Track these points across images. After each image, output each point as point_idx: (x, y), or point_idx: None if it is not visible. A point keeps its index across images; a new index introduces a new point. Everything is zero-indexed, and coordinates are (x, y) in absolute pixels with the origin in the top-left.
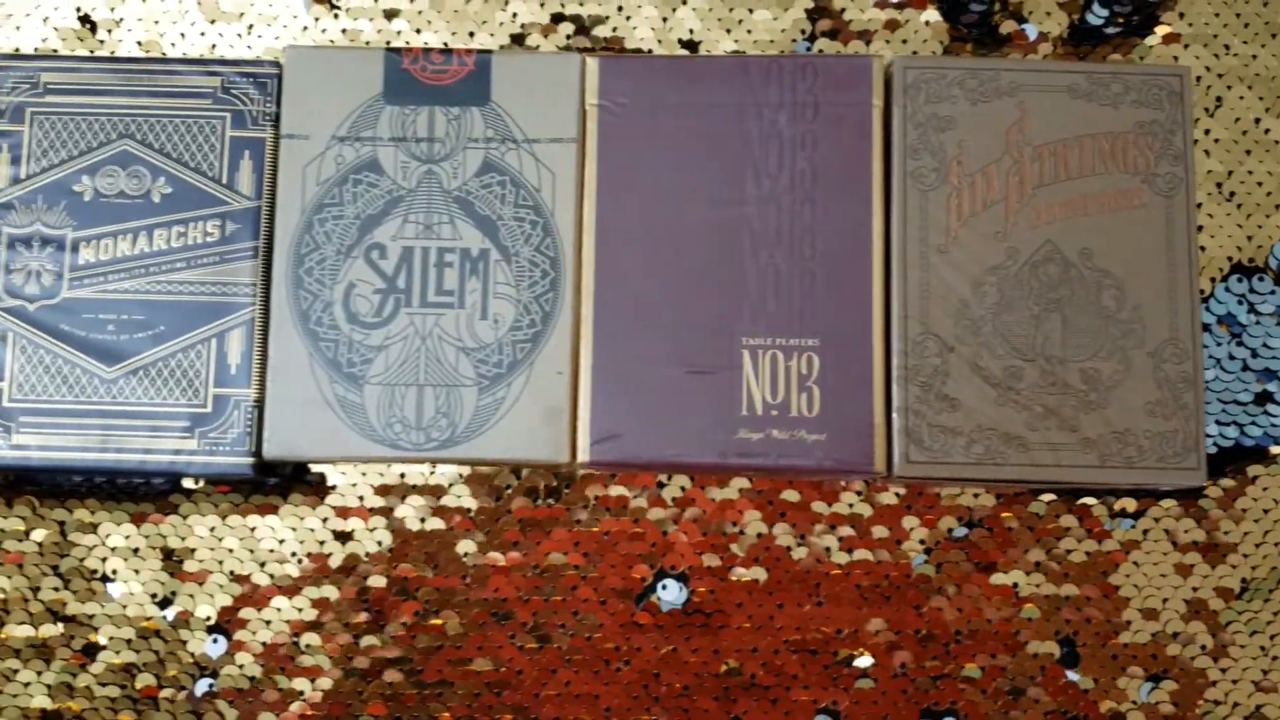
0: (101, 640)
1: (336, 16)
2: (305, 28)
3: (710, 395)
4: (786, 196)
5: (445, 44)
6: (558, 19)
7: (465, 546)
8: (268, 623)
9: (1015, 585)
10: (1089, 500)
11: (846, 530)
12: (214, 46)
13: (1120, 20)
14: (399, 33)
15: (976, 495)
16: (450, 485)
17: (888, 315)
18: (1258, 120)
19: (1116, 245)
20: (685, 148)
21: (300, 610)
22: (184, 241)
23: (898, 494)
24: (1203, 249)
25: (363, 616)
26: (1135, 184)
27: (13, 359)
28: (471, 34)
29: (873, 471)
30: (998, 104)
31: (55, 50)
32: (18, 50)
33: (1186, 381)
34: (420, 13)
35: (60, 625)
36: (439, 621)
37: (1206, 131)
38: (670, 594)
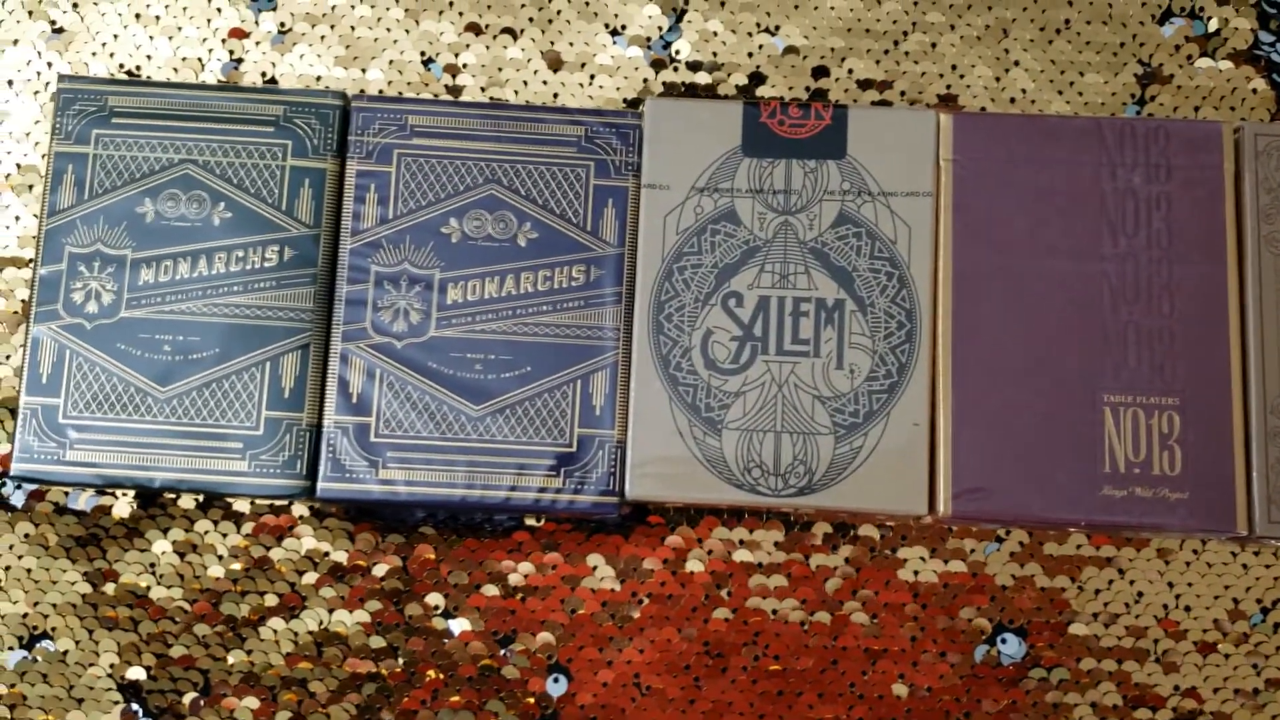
0: (442, 677)
1: (676, 70)
2: (646, 80)
3: (1072, 451)
4: (1144, 254)
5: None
6: (893, 76)
7: (803, 594)
8: (609, 663)
9: None
10: None
11: (1182, 584)
12: (556, 95)
13: None
14: (738, 87)
15: None
16: (786, 534)
17: (1245, 376)
18: None
19: None
20: (1040, 203)
21: (642, 651)
22: (550, 285)
23: (1233, 553)
24: None
25: (703, 659)
26: None
27: (380, 395)
28: (807, 89)
29: (1235, 532)
30: None
31: (400, 94)
32: (363, 91)
33: None
34: (758, 67)
35: (400, 660)
36: (777, 668)
37: None
38: (1010, 648)
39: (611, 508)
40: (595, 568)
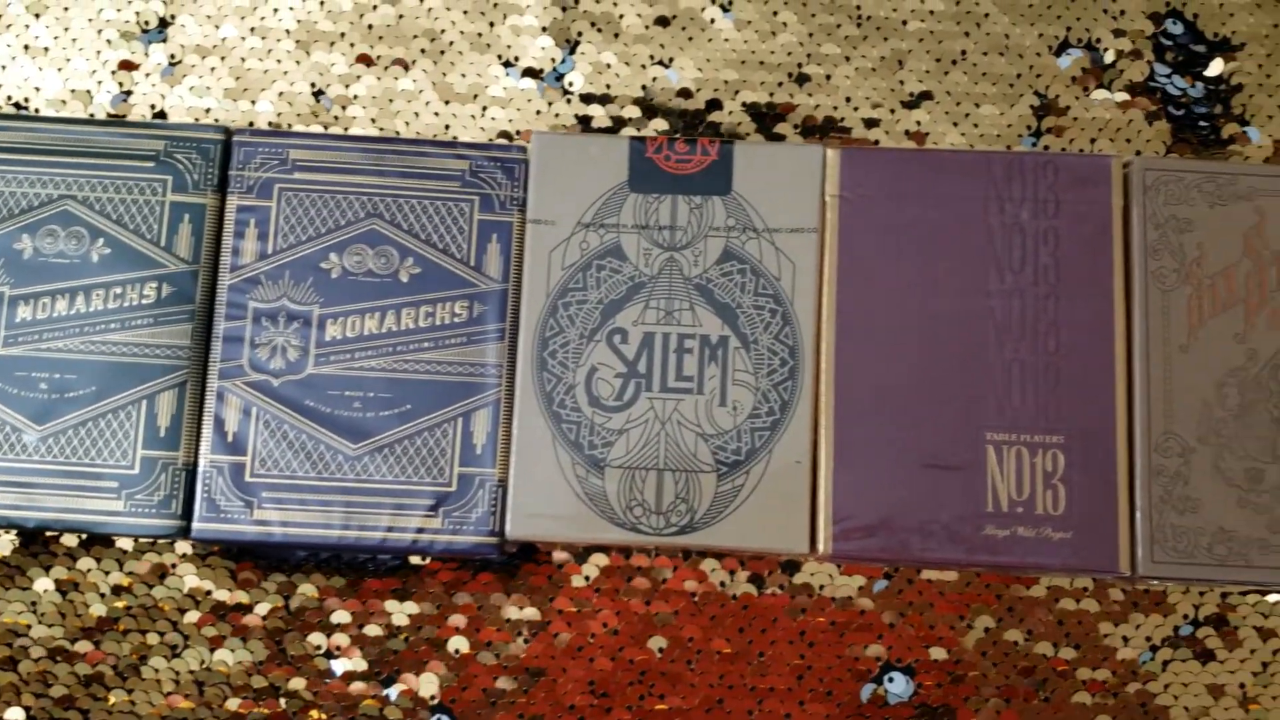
0: (324, 717)
1: (569, 101)
2: (539, 112)
3: (955, 490)
4: (1030, 291)
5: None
6: (786, 109)
7: (691, 632)
8: (493, 703)
9: (1243, 685)
10: None
11: (1073, 624)
12: (448, 127)
13: None
14: (630, 120)
15: (1202, 594)
16: (674, 570)
17: (1130, 414)
18: None
19: None
20: (927, 239)
21: (526, 691)
22: (432, 321)
23: (1124, 590)
24: None
25: (588, 700)
26: None
27: (256, 434)
28: (700, 121)
29: (1118, 572)
30: (1235, 208)
31: (289, 125)
32: (252, 125)
33: None
34: (653, 100)
35: (283, 701)
36: (663, 707)
37: None
38: (898, 687)
39: (491, 549)
40: (480, 607)
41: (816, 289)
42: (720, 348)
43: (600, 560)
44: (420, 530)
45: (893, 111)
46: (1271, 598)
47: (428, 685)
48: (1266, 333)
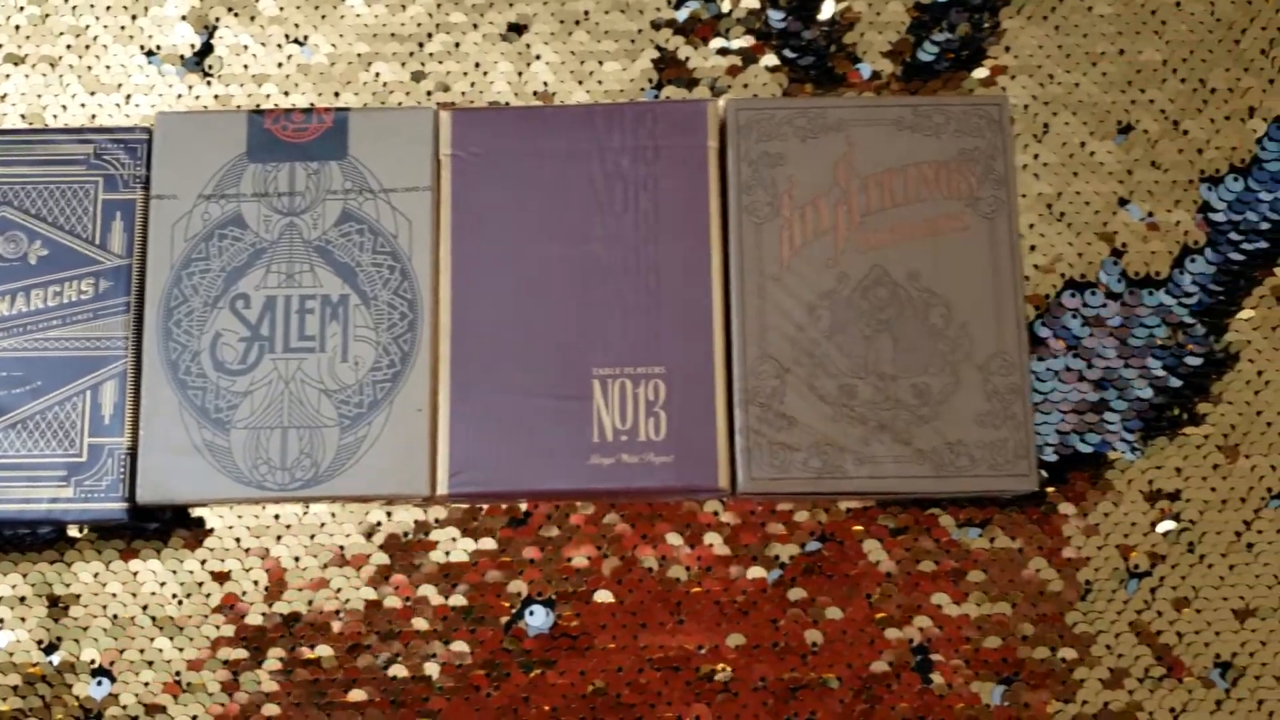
0: None
1: (210, 84)
2: (180, 95)
3: (564, 424)
4: (631, 234)
5: (312, 104)
6: (418, 77)
7: (338, 582)
8: (150, 664)
9: (868, 596)
10: (936, 511)
11: (704, 548)
12: (94, 117)
13: (950, 56)
14: (268, 96)
15: (827, 510)
16: (322, 525)
17: (728, 342)
18: (1083, 144)
19: (942, 267)
20: (535, 192)
21: (181, 650)
22: (59, 300)
23: (752, 512)
24: (1036, 267)
25: (241, 653)
26: (959, 208)
27: None
28: (337, 94)
29: (718, 490)
30: (826, 139)
31: None
32: None
33: (1015, 392)
34: (288, 76)
35: None
36: (313, 655)
37: (1035, 156)
38: (537, 619)
39: (122, 514)
40: (136, 573)
41: (433, 244)
42: (341, 306)
43: (250, 521)
44: (54, 500)
45: (520, 74)
46: (893, 509)
47: (88, 651)
48: (855, 256)
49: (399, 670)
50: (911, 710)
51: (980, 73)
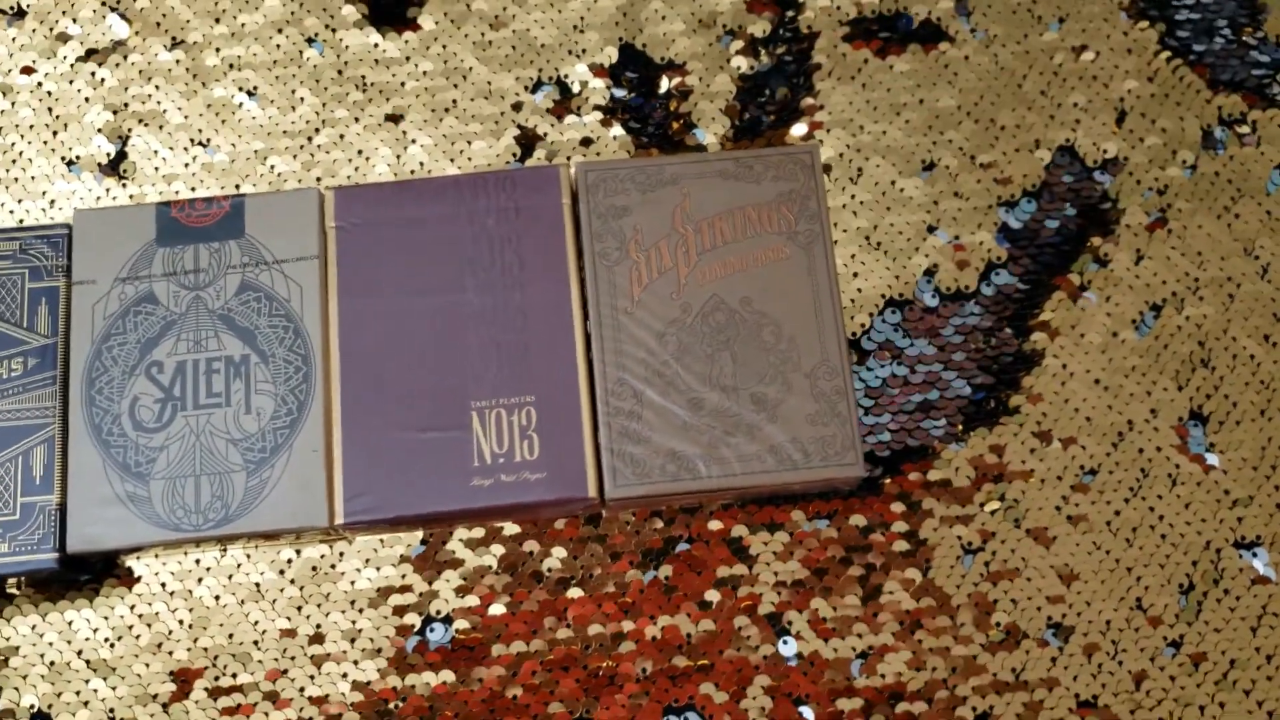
0: None
1: (124, 185)
2: (99, 198)
3: (446, 453)
4: (499, 284)
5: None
6: (308, 166)
7: (255, 616)
8: (86, 704)
9: (734, 588)
10: (787, 506)
11: (587, 558)
12: (21, 220)
13: (772, 115)
14: (177, 192)
15: (693, 512)
16: (239, 565)
17: (590, 369)
18: (893, 182)
19: (770, 291)
20: (412, 253)
21: (115, 688)
22: None
23: (627, 521)
24: (859, 290)
25: (170, 688)
26: (780, 241)
27: None
28: (238, 186)
29: (588, 499)
30: (663, 192)
31: None
32: None
33: (839, 394)
34: (194, 174)
35: None
36: (236, 683)
37: (853, 196)
38: (437, 635)
39: (52, 563)
40: (71, 621)
41: (322, 305)
42: (243, 365)
43: (175, 566)
44: None
45: (399, 157)
46: (750, 509)
47: (28, 696)
48: (695, 288)
49: (313, 690)
50: (778, 685)
51: (799, 129)
